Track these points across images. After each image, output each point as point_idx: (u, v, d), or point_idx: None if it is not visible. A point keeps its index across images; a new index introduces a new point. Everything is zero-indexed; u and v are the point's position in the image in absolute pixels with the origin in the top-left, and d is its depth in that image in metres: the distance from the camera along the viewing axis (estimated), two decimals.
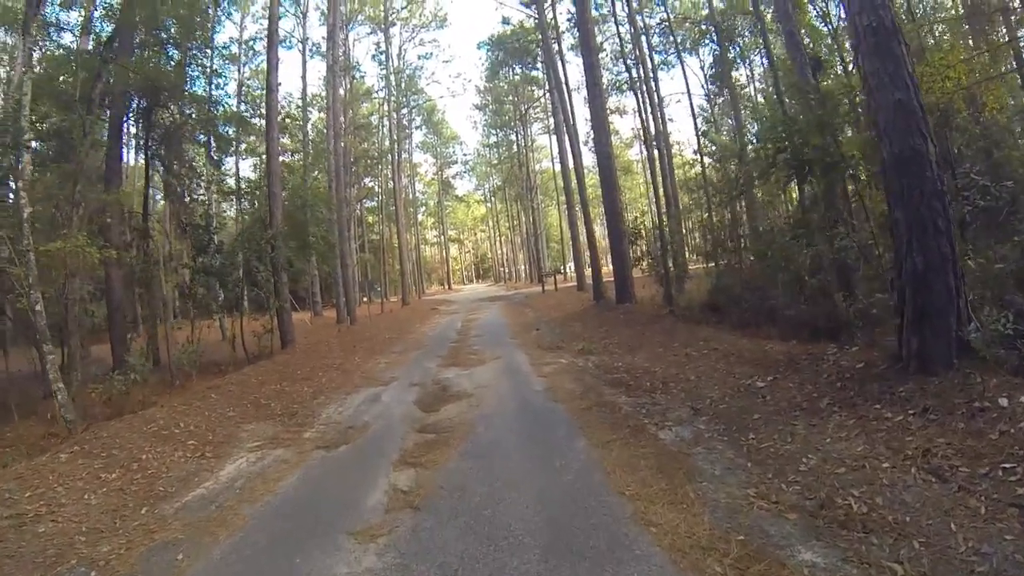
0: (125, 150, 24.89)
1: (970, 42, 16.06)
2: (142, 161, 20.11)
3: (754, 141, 14.60)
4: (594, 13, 22.49)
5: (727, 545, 3.89)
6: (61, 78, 15.82)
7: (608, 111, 24.25)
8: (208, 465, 7.01)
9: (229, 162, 32.77)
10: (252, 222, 19.22)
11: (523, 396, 8.79)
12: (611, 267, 22.29)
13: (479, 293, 52.88)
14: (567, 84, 26.36)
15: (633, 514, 4.46)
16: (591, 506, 4.65)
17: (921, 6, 17.57)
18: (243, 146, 31.59)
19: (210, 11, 20.68)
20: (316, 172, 34.73)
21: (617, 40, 33.32)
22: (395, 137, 42.15)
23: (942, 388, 5.65)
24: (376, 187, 48.64)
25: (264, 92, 19.81)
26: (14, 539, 5.01)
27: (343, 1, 33.90)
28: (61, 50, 16.99)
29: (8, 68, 21.06)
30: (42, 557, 4.69)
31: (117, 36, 16.12)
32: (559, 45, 27.34)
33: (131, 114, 18.12)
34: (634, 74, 37.11)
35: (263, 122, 22.07)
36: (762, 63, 31.00)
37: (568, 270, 56.72)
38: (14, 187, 9.91)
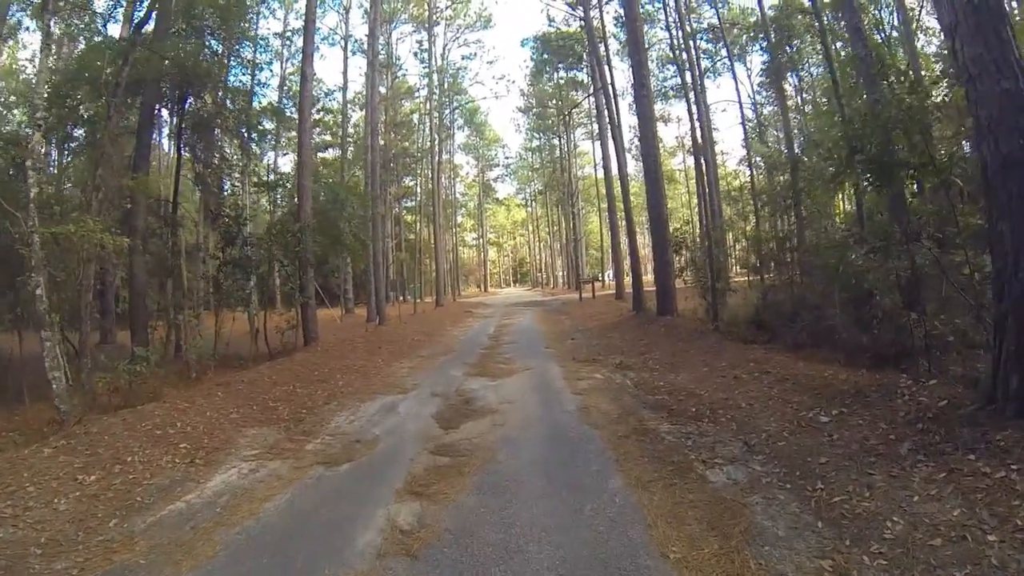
0: (164, 140, 25.04)
1: None
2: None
3: (803, 148, 13.64)
4: (641, 11, 21.37)
5: None
6: (97, 64, 15.47)
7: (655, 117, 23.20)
8: (196, 474, 6.39)
9: (269, 156, 32.92)
10: (284, 216, 18.80)
11: (553, 417, 7.92)
12: (652, 277, 21.36)
13: (515, 297, 52.13)
14: (613, 87, 25.50)
15: None
16: (627, 573, 3.78)
17: None
18: (283, 140, 31.58)
19: (248, 1, 20.28)
20: (356, 169, 34.46)
21: (663, 45, 32.69)
22: (435, 136, 41.64)
23: None
24: (416, 187, 48.26)
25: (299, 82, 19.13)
26: None
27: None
28: (97, 36, 16.80)
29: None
30: None
31: (152, 21, 15.78)
32: (605, 46, 26.45)
33: (165, 102, 17.79)
34: (681, 79, 36.45)
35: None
36: (811, 72, 29.76)
37: (607, 278, 55.65)
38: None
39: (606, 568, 3.85)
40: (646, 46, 25.70)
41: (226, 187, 21.10)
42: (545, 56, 35.23)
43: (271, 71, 29.68)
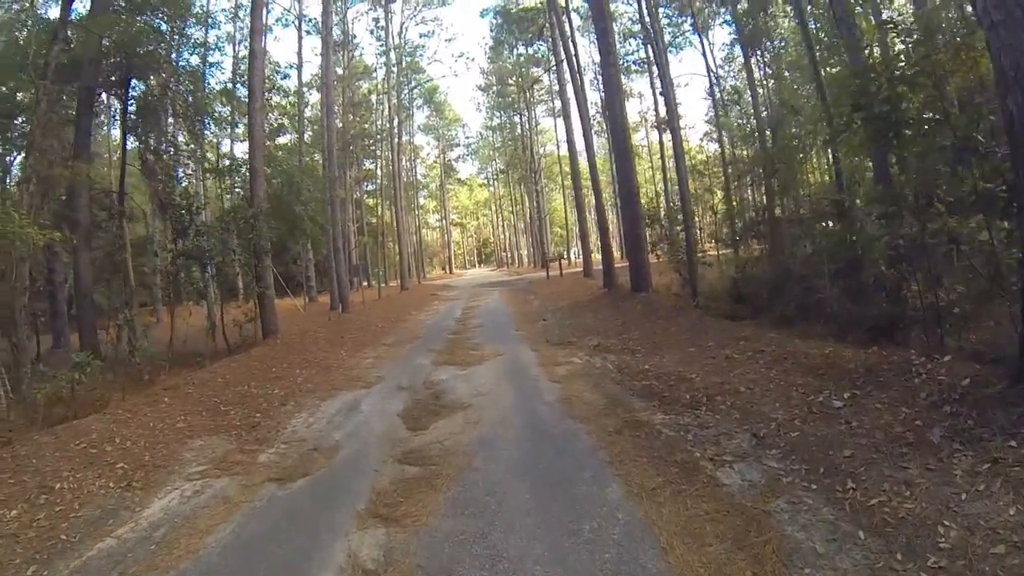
0: (107, 126, 23.59)
1: None
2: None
3: (771, 119, 13.00)
4: None
5: None
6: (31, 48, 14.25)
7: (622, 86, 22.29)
8: (132, 500, 5.46)
9: (225, 143, 31.48)
10: (237, 202, 17.70)
11: (532, 410, 7.09)
12: (621, 253, 20.75)
13: (481, 278, 51.21)
14: (577, 57, 24.46)
15: None
16: None
17: None
18: (240, 128, 30.36)
19: None
20: (315, 154, 33.25)
21: (625, 19, 31.85)
22: (394, 116, 40.41)
23: None
24: (377, 169, 47.05)
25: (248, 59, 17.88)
26: None
27: None
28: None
29: None
30: None
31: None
32: (568, 18, 25.39)
33: (106, 86, 16.54)
34: (646, 52, 35.69)
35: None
36: (774, 46, 29.12)
37: (573, 255, 55.13)
38: None
39: None
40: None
41: (178, 175, 19.76)
42: (505, 27, 34.05)
43: (222, 52, 28.46)
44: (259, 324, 15.17)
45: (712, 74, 32.23)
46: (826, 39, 15.54)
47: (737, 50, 32.44)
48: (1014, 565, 3.13)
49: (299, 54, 32.16)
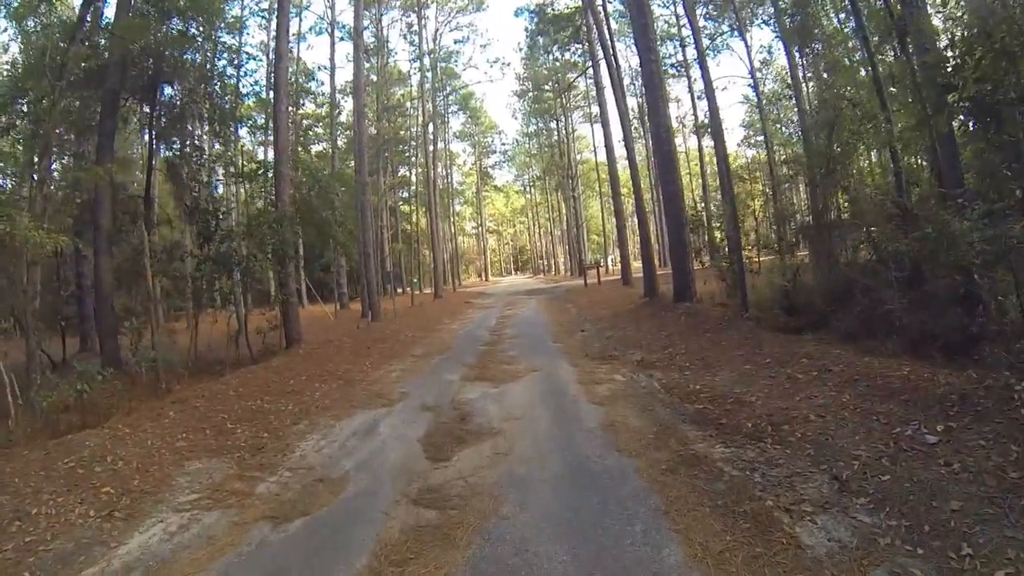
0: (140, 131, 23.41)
1: None
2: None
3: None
4: None
5: None
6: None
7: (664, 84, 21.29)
8: (111, 533, 4.86)
9: (253, 147, 31.37)
10: (264, 207, 17.30)
11: (571, 439, 6.21)
12: (661, 260, 19.84)
13: (517, 286, 50.41)
14: (615, 56, 23.48)
15: None
16: None
17: None
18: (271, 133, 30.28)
19: None
20: (349, 160, 33.03)
21: (661, 22, 30.96)
22: (427, 121, 39.99)
23: None
24: (412, 176, 46.79)
25: (273, 61, 17.47)
26: None
27: None
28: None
29: None
30: None
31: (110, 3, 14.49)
32: (605, 12, 24.45)
33: (132, 90, 16.30)
34: (683, 56, 34.70)
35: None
36: (814, 48, 27.90)
37: (610, 263, 54.08)
38: None
39: None
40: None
41: (204, 180, 19.50)
42: (540, 28, 33.26)
43: (257, 60, 28.49)
44: (283, 332, 14.69)
45: (752, 76, 31.24)
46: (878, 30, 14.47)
47: (777, 50, 31.44)
48: None
49: (331, 59, 32.07)
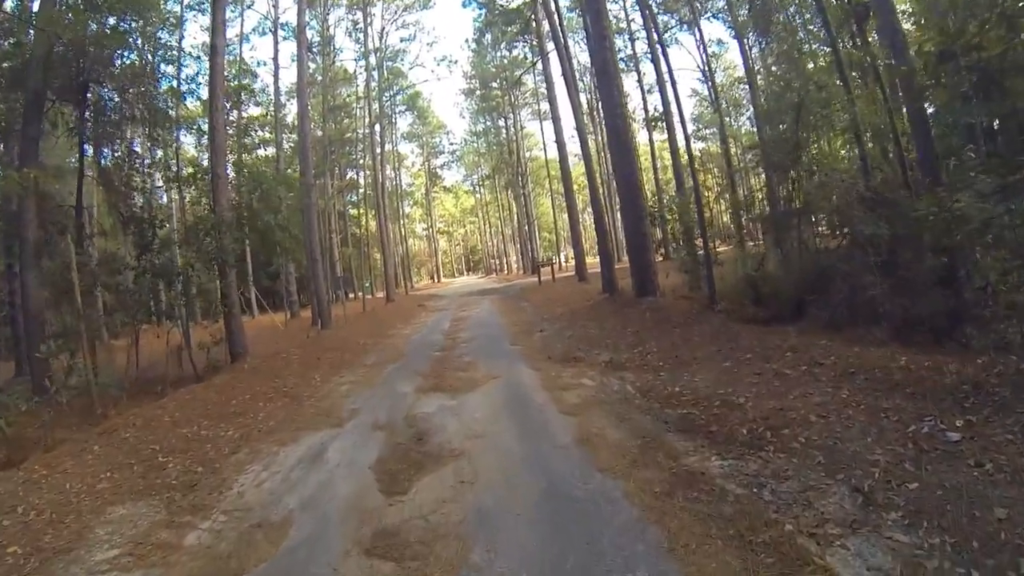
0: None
1: None
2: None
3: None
4: None
5: None
6: None
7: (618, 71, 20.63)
8: None
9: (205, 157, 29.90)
10: (203, 213, 16.14)
11: (545, 458, 5.38)
12: (617, 254, 19.28)
13: (470, 286, 49.49)
14: (566, 40, 22.65)
15: None
16: None
17: None
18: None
19: None
20: (296, 163, 31.82)
21: (611, 17, 30.46)
22: (374, 122, 38.92)
23: None
24: (360, 178, 45.64)
25: (209, 56, 16.26)
26: None
27: None
28: None
29: None
30: None
31: None
32: (556, 4, 23.69)
33: (60, 91, 15.00)
34: (633, 49, 34.31)
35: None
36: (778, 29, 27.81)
37: (563, 260, 53.59)
38: None
39: None
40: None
41: (139, 185, 18.13)
42: (490, 19, 32.43)
43: (198, 58, 27.12)
44: (227, 346, 13.68)
45: (706, 69, 31.02)
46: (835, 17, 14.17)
47: (725, 44, 31.38)
48: None
49: (275, 59, 30.51)
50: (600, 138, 38.00)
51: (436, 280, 77.45)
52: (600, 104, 28.08)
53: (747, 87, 30.64)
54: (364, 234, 46.93)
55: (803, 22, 19.02)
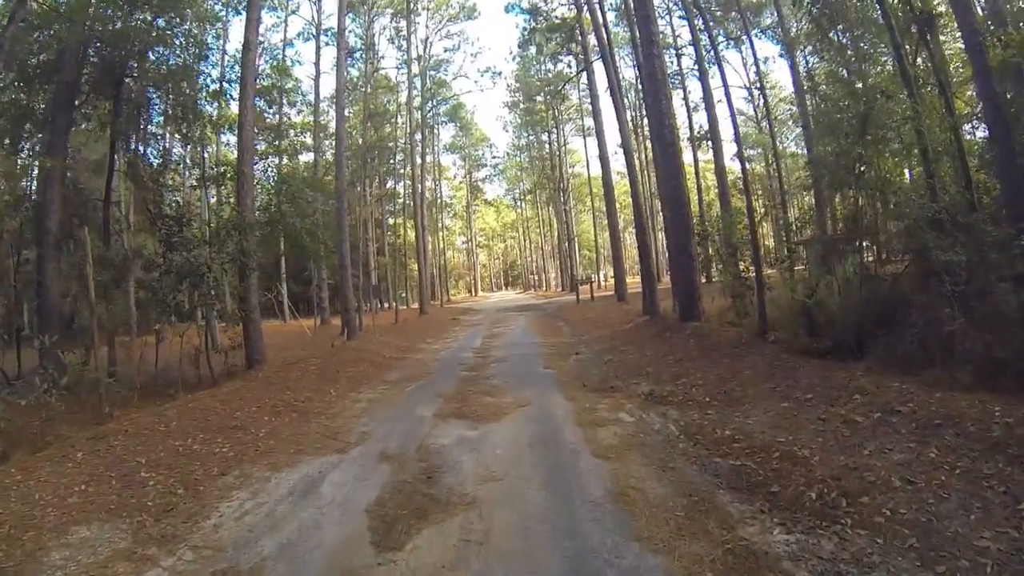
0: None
1: None
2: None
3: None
4: None
5: None
6: None
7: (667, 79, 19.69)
8: None
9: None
10: (231, 213, 15.78)
11: (572, 518, 4.49)
12: (659, 274, 18.40)
13: (507, 301, 48.83)
14: (612, 53, 21.87)
15: None
16: None
17: None
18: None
19: None
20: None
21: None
22: (414, 129, 38.67)
23: None
24: (400, 188, 45.40)
25: (241, 52, 15.86)
26: None
27: None
28: None
29: None
30: None
31: None
32: (602, 8, 22.99)
33: (95, 85, 14.86)
34: (679, 65, 33.41)
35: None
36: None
37: (602, 278, 52.60)
38: None
39: None
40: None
41: (166, 182, 17.92)
42: (535, 27, 31.90)
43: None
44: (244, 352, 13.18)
45: (760, 85, 29.97)
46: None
47: (773, 62, 30.41)
48: None
49: (316, 64, 30.55)
50: (644, 156, 37.14)
51: (473, 293, 77.20)
52: (645, 119, 27.37)
53: (793, 106, 29.71)
54: (402, 244, 46.58)
55: (862, 32, 17.84)
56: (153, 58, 15.85)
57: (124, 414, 8.85)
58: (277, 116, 32.13)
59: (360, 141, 36.55)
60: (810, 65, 26.85)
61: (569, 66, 38.88)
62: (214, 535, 4.72)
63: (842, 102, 12.71)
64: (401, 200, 45.91)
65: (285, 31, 33.30)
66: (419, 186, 39.42)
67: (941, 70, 10.89)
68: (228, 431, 7.89)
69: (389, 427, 7.84)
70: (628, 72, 36.94)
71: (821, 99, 19.80)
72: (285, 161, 32.43)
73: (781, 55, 29.48)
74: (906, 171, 12.73)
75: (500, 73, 65.18)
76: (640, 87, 30.25)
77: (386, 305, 37.21)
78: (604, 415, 7.50)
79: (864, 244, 10.79)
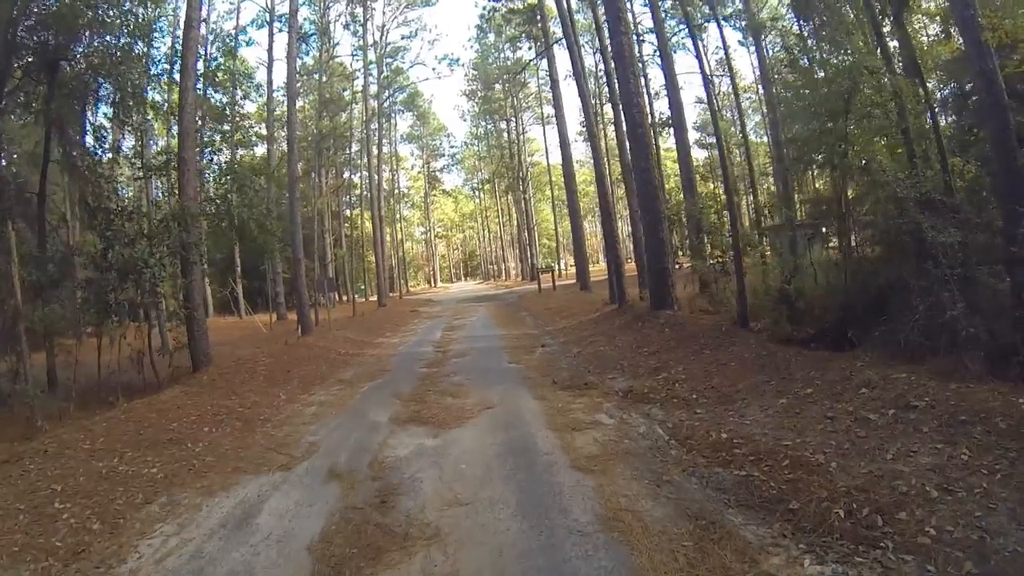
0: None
1: None
2: None
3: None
4: None
5: None
6: None
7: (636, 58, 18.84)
8: None
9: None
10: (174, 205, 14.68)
11: (555, 554, 3.66)
12: (637, 260, 17.75)
13: (467, 292, 47.97)
14: (576, 38, 20.92)
15: None
16: None
17: None
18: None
19: None
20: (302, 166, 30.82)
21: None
22: (369, 118, 37.51)
23: None
24: (356, 178, 44.32)
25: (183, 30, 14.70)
26: None
27: None
28: None
29: None
30: None
31: None
32: None
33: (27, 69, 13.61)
34: (639, 51, 32.77)
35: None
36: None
37: (563, 267, 52.01)
38: None
39: None
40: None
41: (103, 172, 16.63)
42: (494, 6, 31.04)
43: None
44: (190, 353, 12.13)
45: (705, 75, 29.51)
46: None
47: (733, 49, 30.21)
48: None
49: (269, 51, 29.23)
50: (605, 143, 36.69)
51: (433, 285, 76.24)
52: (607, 106, 26.89)
53: (754, 94, 29.56)
54: (359, 236, 45.34)
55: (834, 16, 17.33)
56: (92, 41, 14.63)
57: (57, 427, 7.86)
58: (228, 106, 30.93)
59: (315, 131, 35.40)
60: (773, 52, 26.68)
61: (529, 51, 38.27)
62: None
63: (824, 78, 12.13)
64: (359, 191, 44.71)
65: (238, 18, 31.99)
66: (375, 176, 38.32)
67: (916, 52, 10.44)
68: (161, 447, 6.92)
69: (340, 435, 6.97)
70: (588, 59, 36.46)
71: (796, 78, 19.27)
72: (241, 153, 31.32)
73: (741, 43, 29.29)
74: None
75: (458, 60, 64.51)
76: (601, 72, 29.79)
77: (344, 298, 36.08)
78: (580, 417, 6.71)
79: (847, 226, 10.23)
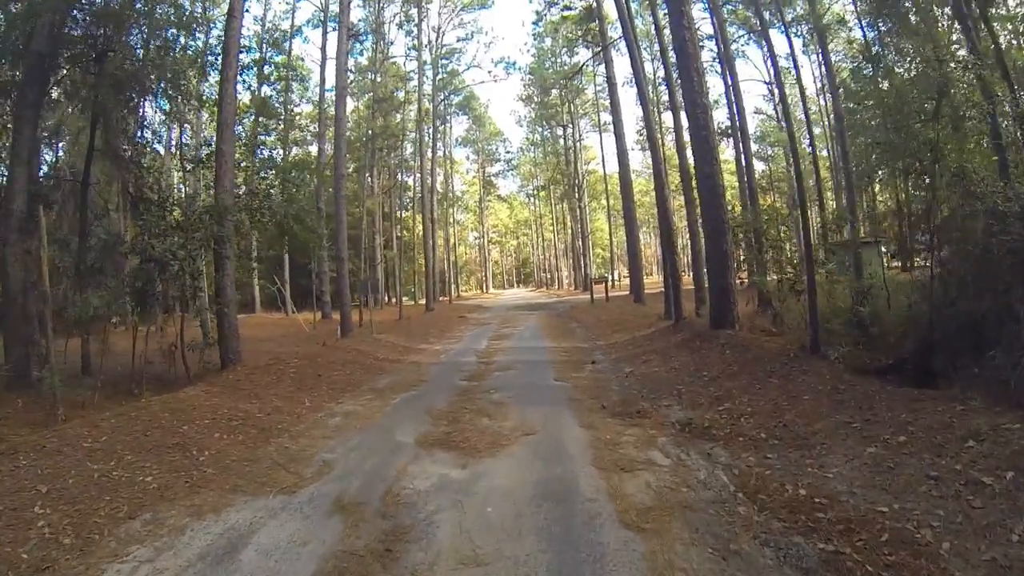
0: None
1: None
2: None
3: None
4: None
5: None
6: None
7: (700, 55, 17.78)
8: None
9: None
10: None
11: None
12: (695, 273, 16.80)
13: (518, 299, 47.34)
14: (634, 35, 19.90)
15: None
16: None
17: None
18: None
19: None
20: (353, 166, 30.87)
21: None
22: (423, 117, 37.32)
23: None
24: (410, 180, 44.59)
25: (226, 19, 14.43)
26: None
27: None
28: None
29: None
30: None
31: None
32: None
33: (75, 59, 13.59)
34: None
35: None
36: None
37: (617, 278, 50.95)
38: None
39: None
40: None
41: (144, 162, 16.58)
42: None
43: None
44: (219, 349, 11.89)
45: (778, 77, 28.35)
46: None
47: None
48: None
49: (323, 50, 29.72)
50: (663, 151, 35.74)
51: (484, 290, 76.26)
52: (667, 112, 26.09)
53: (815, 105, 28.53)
54: (411, 238, 45.18)
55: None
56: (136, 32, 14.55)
57: (73, 417, 7.58)
58: (281, 104, 31.38)
59: (368, 131, 35.49)
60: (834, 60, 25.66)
61: (587, 55, 37.76)
62: None
63: (908, 79, 11.02)
64: (412, 193, 44.64)
65: (293, 18, 32.60)
66: (428, 177, 38.02)
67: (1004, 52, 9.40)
68: (163, 452, 6.38)
69: (358, 456, 6.28)
70: (646, 66, 35.74)
71: (865, 85, 18.03)
72: (296, 152, 31.70)
73: (803, 51, 28.20)
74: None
75: (515, 64, 64.20)
76: (660, 78, 29.31)
77: (392, 300, 35.87)
78: (631, 453, 5.85)
79: (934, 243, 9.13)
